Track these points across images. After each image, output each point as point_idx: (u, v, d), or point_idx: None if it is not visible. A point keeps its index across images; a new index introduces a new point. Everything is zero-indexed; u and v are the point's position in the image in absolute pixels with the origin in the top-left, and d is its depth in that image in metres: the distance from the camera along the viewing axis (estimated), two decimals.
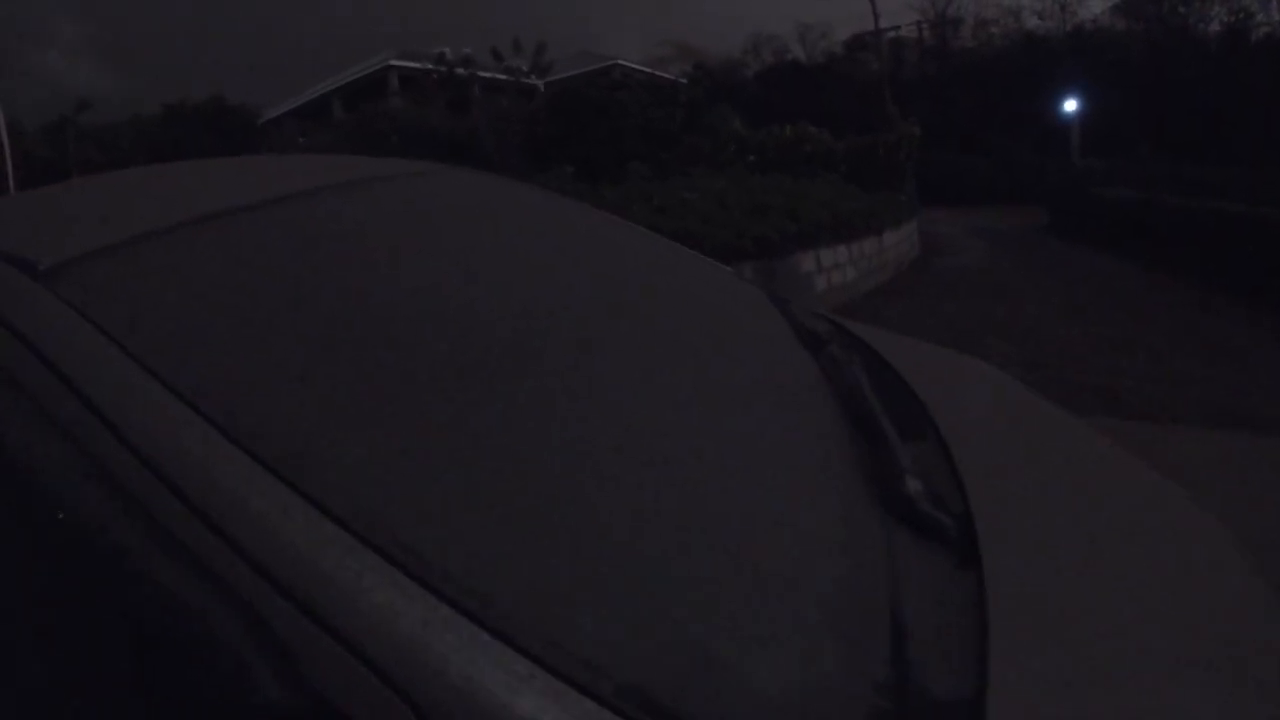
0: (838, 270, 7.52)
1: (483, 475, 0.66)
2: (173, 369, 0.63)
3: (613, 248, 1.44)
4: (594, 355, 0.92)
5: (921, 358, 1.54)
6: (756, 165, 10.47)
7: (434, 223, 1.17)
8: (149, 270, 0.77)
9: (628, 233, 1.56)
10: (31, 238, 0.77)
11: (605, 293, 1.14)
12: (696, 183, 7.59)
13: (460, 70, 13.08)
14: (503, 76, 13.39)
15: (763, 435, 0.92)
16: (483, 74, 13.34)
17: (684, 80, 18.26)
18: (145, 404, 0.60)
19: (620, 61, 23.04)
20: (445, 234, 1.14)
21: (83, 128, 20.65)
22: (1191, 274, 8.20)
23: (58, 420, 0.58)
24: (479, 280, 1.01)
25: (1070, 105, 20.00)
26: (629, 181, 7.73)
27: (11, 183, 13.96)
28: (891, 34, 26.28)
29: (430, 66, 13.69)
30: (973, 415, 1.20)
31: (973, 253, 11.43)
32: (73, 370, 0.61)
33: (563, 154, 8.87)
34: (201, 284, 0.78)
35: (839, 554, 0.75)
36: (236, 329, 0.73)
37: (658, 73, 22.39)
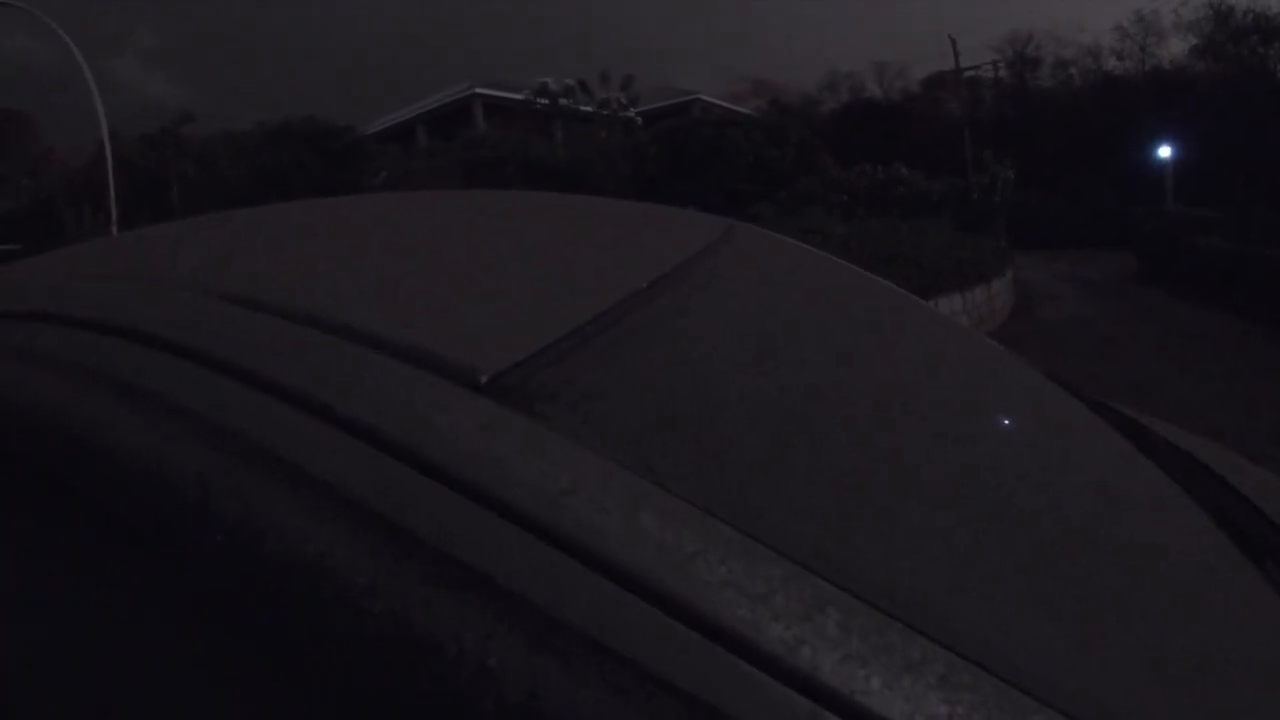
0: (954, 319, 7.40)
1: None
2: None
3: (918, 328, 1.30)
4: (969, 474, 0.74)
5: (1181, 441, 1.42)
6: (848, 206, 10.41)
7: (794, 296, 1.06)
8: (620, 374, 0.57)
9: (914, 304, 1.42)
10: (453, 331, 0.55)
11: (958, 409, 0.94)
12: (813, 225, 7.58)
13: (565, 101, 13.34)
14: (599, 110, 13.56)
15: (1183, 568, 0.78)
16: (584, 108, 13.56)
17: (755, 114, 18.32)
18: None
19: (700, 96, 23.22)
20: (806, 312, 1.02)
21: (180, 141, 21.31)
22: None
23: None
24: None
25: (1164, 151, 19.54)
26: (754, 222, 7.72)
27: (112, 188, 14.60)
28: (970, 74, 26.09)
29: (530, 96, 14.00)
30: None
31: (1070, 302, 11.16)
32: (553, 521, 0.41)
33: (670, 189, 8.95)
34: (671, 383, 0.60)
35: None
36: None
37: (735, 107, 22.52)
